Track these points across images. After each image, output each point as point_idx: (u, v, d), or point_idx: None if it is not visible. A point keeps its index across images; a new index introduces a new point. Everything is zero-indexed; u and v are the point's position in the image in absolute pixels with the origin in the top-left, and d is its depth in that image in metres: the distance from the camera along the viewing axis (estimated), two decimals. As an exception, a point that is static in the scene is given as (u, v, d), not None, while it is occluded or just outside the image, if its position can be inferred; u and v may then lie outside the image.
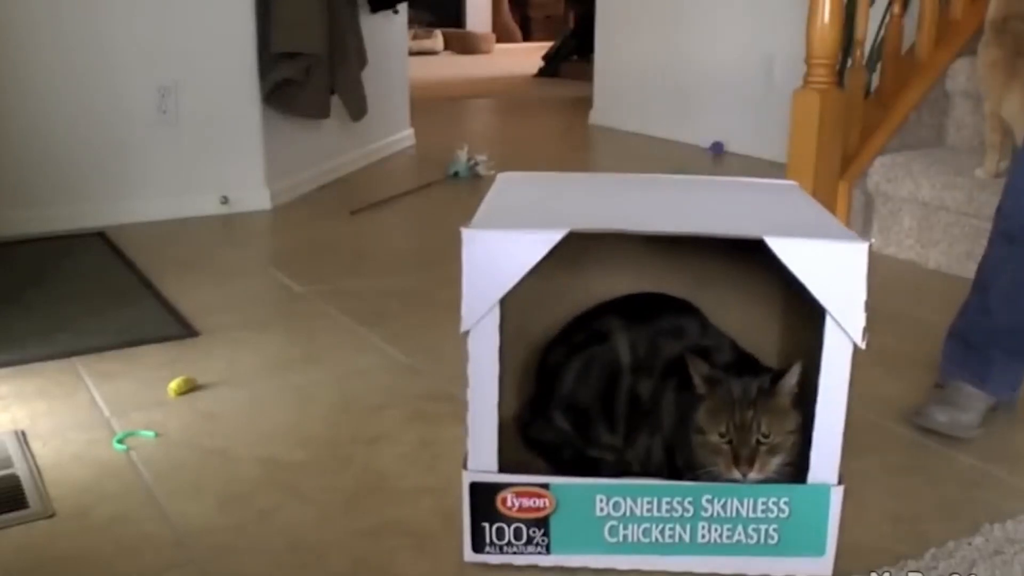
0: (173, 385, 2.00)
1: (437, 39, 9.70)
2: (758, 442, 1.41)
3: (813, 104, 2.92)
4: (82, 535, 1.52)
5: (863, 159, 3.06)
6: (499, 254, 1.37)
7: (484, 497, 1.45)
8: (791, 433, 1.43)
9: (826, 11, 2.84)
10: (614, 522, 1.44)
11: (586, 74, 5.93)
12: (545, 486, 1.44)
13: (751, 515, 1.44)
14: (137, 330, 2.34)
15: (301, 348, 2.31)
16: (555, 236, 1.35)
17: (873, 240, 3.04)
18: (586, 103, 5.59)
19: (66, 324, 2.36)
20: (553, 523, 1.45)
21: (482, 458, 1.44)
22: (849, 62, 3.19)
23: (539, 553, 1.46)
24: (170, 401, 1.97)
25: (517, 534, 1.46)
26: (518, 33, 10.66)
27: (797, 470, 1.44)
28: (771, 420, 1.41)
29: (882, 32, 3.31)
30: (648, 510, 1.44)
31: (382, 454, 1.78)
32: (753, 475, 1.41)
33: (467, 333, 1.39)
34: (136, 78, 3.24)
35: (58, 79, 3.13)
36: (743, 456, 1.41)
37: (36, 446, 1.78)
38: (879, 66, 3.26)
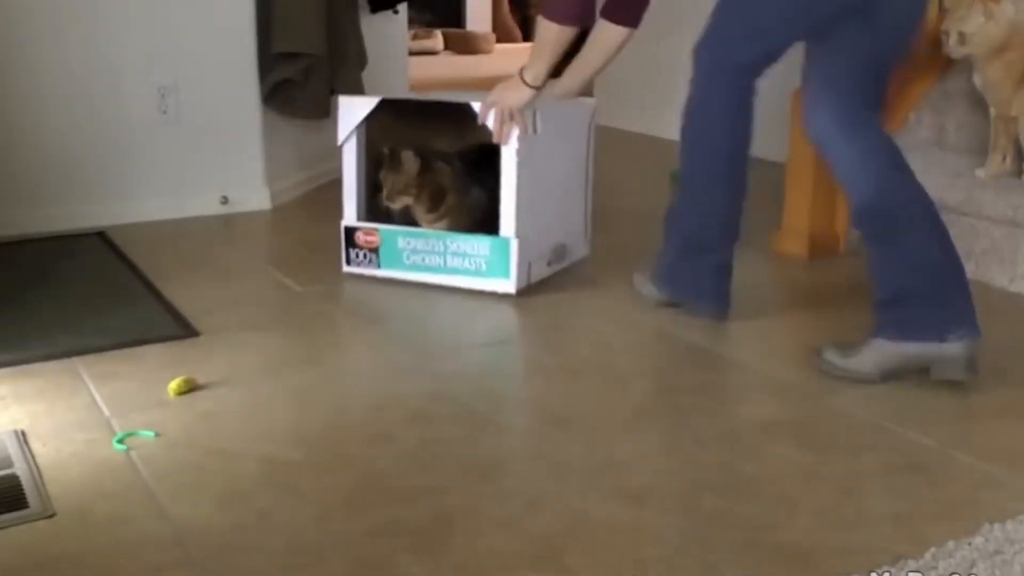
0: (173, 385, 2.00)
1: (437, 39, 9.69)
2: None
3: (813, 104, 2.91)
4: (82, 535, 1.52)
5: (863, 159, 3.05)
6: (351, 108, 2.68)
7: (350, 235, 2.69)
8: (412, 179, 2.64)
9: (826, 11, 2.84)
10: (408, 252, 2.63)
11: (586, 74, 5.91)
12: (376, 230, 2.66)
13: (469, 252, 2.56)
14: (137, 330, 2.34)
15: (301, 348, 2.31)
16: (374, 100, 2.67)
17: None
18: (586, 103, 5.58)
19: (66, 324, 2.36)
20: (380, 251, 2.66)
21: (350, 213, 2.71)
22: (849, 62, 3.18)
23: (374, 267, 2.67)
24: (170, 401, 1.97)
25: (365, 256, 2.68)
26: (518, 33, 10.65)
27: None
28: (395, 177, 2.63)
29: (882, 32, 3.30)
30: (423, 246, 2.61)
31: (382, 454, 1.78)
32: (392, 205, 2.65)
33: (341, 146, 2.68)
34: (136, 78, 3.24)
35: (58, 79, 3.13)
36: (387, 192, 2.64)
37: (36, 446, 1.78)
38: (879, 66, 3.25)
